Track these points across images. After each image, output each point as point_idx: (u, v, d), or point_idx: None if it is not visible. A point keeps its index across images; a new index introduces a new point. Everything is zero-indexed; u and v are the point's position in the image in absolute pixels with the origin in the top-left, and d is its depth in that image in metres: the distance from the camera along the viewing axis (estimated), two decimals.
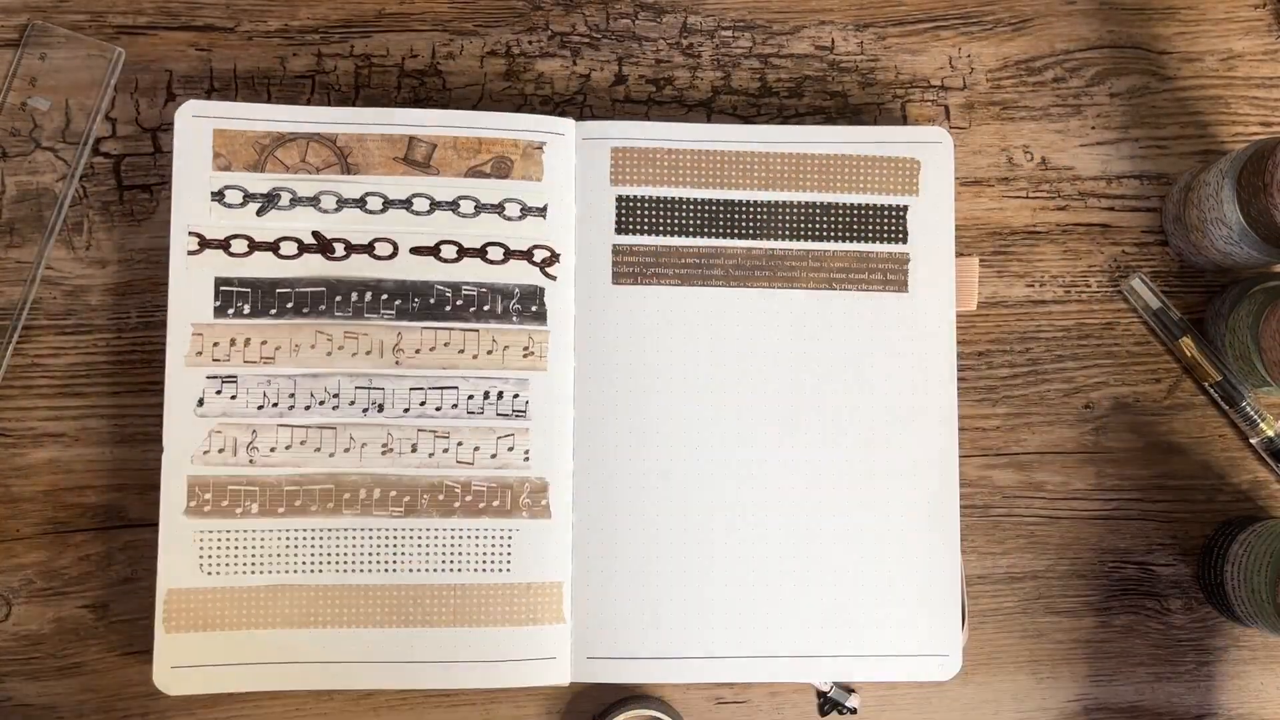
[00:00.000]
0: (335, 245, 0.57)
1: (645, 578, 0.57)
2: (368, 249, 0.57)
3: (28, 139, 0.60)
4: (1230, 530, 0.60)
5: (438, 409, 0.57)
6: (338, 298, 0.57)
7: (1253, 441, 0.62)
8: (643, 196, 0.59)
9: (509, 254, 0.58)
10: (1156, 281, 0.63)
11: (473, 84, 0.62)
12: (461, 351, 0.57)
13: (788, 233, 0.59)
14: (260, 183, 0.57)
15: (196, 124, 0.57)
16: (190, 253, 0.57)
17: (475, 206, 0.58)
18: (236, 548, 0.56)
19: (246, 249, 0.57)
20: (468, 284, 0.58)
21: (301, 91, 0.61)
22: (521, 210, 0.58)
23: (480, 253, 0.58)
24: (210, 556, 0.55)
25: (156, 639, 0.55)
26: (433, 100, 0.62)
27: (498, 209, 0.58)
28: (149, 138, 0.61)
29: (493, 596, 0.56)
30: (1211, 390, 0.62)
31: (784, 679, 0.58)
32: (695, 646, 0.57)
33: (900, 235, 0.59)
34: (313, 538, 0.56)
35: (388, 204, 0.58)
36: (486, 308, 0.58)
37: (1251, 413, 0.61)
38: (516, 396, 0.57)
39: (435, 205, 0.58)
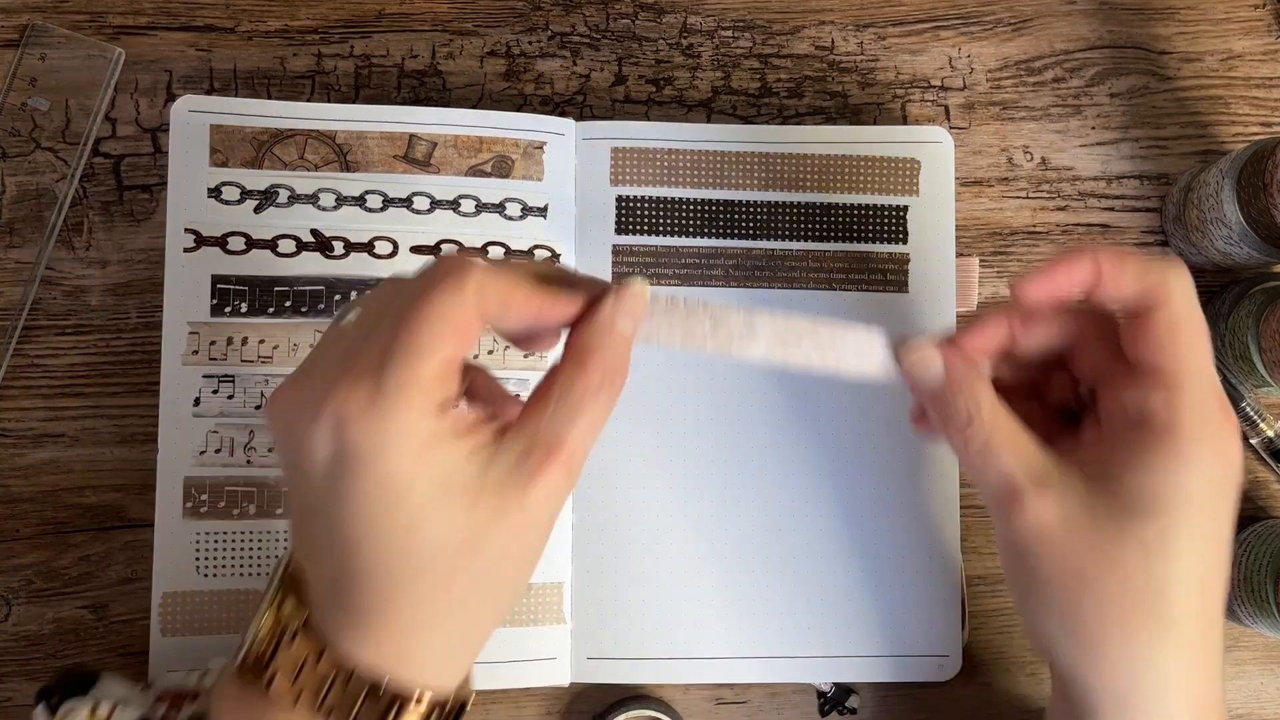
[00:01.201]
0: (334, 243, 0.57)
1: (645, 578, 0.57)
2: (367, 248, 0.57)
3: (28, 139, 0.60)
4: None
5: None
6: (337, 296, 0.57)
7: (1253, 441, 0.62)
8: (643, 196, 0.59)
9: (510, 254, 0.58)
10: None
11: (473, 84, 0.62)
12: None
13: (788, 233, 0.59)
14: (258, 179, 0.57)
15: (193, 119, 0.57)
16: (186, 250, 0.56)
17: (476, 206, 0.58)
18: (234, 550, 0.55)
19: (244, 246, 0.57)
20: None
21: (301, 92, 0.61)
22: (522, 210, 0.58)
23: (481, 252, 0.58)
24: (207, 559, 0.55)
25: (152, 643, 0.54)
26: (433, 100, 0.62)
27: (498, 208, 0.58)
28: (149, 138, 0.61)
29: None
30: None
31: (784, 679, 0.58)
32: (695, 647, 0.57)
33: (900, 235, 0.59)
34: None
35: (388, 202, 0.57)
36: None
37: (1251, 413, 0.61)
38: (518, 397, 0.57)
39: (436, 204, 0.58)
